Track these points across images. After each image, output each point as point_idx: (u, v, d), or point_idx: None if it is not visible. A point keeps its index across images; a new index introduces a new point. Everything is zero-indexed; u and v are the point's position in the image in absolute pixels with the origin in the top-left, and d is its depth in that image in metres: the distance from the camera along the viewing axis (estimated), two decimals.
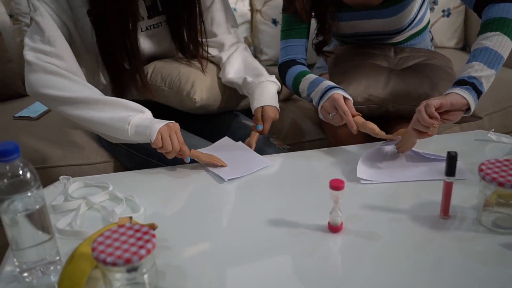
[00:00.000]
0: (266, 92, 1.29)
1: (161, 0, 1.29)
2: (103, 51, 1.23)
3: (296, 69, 1.36)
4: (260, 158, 1.16)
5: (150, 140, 1.09)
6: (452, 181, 0.86)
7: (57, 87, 1.13)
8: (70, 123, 1.55)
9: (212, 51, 1.41)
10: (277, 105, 1.30)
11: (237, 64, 1.37)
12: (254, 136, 1.24)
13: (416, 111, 1.03)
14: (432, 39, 1.61)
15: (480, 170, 0.84)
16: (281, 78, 1.42)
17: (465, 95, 1.03)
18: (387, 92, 1.30)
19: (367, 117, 1.21)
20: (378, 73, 1.34)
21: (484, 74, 1.05)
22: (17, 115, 1.65)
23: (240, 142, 1.23)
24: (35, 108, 1.69)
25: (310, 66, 1.47)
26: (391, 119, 1.34)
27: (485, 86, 1.06)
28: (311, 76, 1.30)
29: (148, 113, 1.14)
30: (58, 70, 1.13)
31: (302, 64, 1.39)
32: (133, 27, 1.21)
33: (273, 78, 1.33)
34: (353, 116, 1.17)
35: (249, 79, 1.31)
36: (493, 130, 1.22)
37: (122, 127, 1.10)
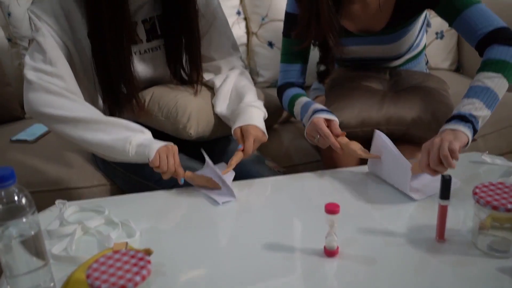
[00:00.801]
0: (246, 114, 1.23)
1: (160, 24, 1.31)
2: (99, 73, 1.24)
3: (291, 92, 1.38)
4: (221, 168, 1.16)
5: (148, 159, 1.10)
6: (447, 204, 0.87)
7: (57, 106, 1.14)
8: (67, 145, 1.56)
9: (208, 76, 1.40)
10: (260, 125, 1.22)
11: (226, 95, 1.33)
12: (236, 156, 1.17)
13: (440, 156, 0.99)
14: (427, 62, 1.63)
15: (474, 193, 0.84)
16: (279, 100, 1.44)
17: (468, 133, 1.04)
18: (380, 115, 1.31)
19: (362, 140, 1.22)
20: (372, 97, 1.36)
21: (483, 114, 1.07)
22: (14, 138, 1.65)
23: (223, 163, 1.23)
24: (32, 131, 1.69)
25: (306, 88, 1.48)
26: None
27: (480, 125, 1.08)
28: (303, 100, 1.32)
29: (148, 134, 1.16)
30: (58, 90, 1.14)
31: (298, 86, 1.41)
32: (128, 51, 1.22)
33: (258, 103, 1.28)
34: (337, 136, 1.18)
35: (232, 109, 1.28)
36: (487, 152, 1.23)
37: (123, 147, 1.11)
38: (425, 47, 1.55)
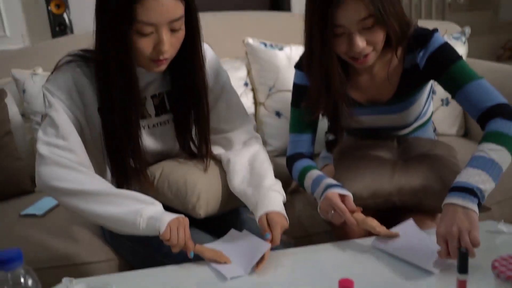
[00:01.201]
0: (269, 200, 1.22)
1: (169, 99, 1.33)
2: (108, 147, 1.26)
3: (301, 163, 1.38)
4: (259, 243, 1.14)
5: (159, 232, 1.10)
6: (465, 279, 0.84)
7: (68, 179, 1.15)
8: (75, 219, 1.55)
9: (219, 150, 1.40)
10: (283, 211, 1.21)
11: (240, 172, 1.32)
12: (267, 247, 1.12)
13: (466, 247, 1.00)
14: (435, 129, 1.64)
15: (494, 267, 0.81)
16: (289, 171, 1.44)
17: (477, 210, 1.05)
18: (392, 186, 1.30)
19: (373, 211, 1.21)
20: (382, 167, 1.35)
21: (489, 187, 1.08)
22: (23, 212, 1.65)
23: (245, 231, 1.22)
24: (41, 205, 1.69)
25: (315, 156, 1.49)
26: (397, 211, 1.33)
27: (485, 199, 1.09)
28: (313, 174, 1.32)
29: (159, 205, 1.16)
30: (70, 164, 1.16)
31: (308, 157, 1.42)
32: (136, 126, 1.24)
33: (277, 187, 1.26)
34: (353, 212, 1.17)
35: (250, 192, 1.26)
36: (503, 220, 1.20)
37: (134, 219, 1.11)
38: (432, 114, 1.57)
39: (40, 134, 1.19)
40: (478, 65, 2.08)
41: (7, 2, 3.12)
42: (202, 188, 1.30)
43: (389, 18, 1.18)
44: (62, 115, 1.19)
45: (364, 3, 1.15)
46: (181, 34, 1.18)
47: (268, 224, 1.17)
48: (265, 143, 2.15)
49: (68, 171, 1.16)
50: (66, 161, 1.16)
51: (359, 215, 1.17)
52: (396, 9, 1.20)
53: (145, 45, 1.14)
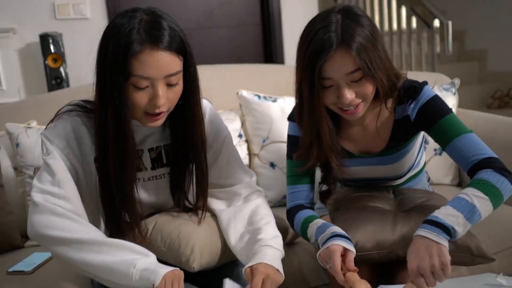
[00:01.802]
0: (260, 253, 1.18)
1: (167, 153, 1.33)
2: (104, 198, 1.25)
3: (303, 214, 1.36)
4: None
5: (153, 285, 1.06)
6: None
7: (61, 228, 1.13)
8: (64, 276, 1.50)
9: (217, 204, 1.38)
10: (273, 263, 1.17)
11: (238, 229, 1.29)
12: None
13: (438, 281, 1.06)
14: (429, 179, 1.64)
15: None
16: (290, 223, 1.42)
17: (447, 246, 1.08)
18: (396, 236, 1.28)
19: (376, 264, 1.18)
20: (383, 217, 1.33)
21: (461, 233, 1.11)
22: (10, 269, 1.60)
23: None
24: (30, 261, 1.64)
25: None
26: (400, 264, 1.30)
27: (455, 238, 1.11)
28: (318, 222, 1.30)
29: (153, 257, 1.13)
30: (64, 212, 1.14)
31: (309, 208, 1.40)
32: (132, 179, 1.23)
33: (274, 242, 1.23)
34: (349, 270, 1.14)
35: (244, 248, 1.24)
36: (502, 273, 1.18)
37: (127, 270, 1.08)
38: (425, 164, 1.57)
39: (35, 181, 1.18)
40: (470, 115, 2.10)
41: (4, 57, 3.19)
42: (196, 240, 1.27)
43: (376, 72, 1.20)
44: (59, 163, 1.19)
45: (351, 57, 1.17)
46: (178, 88, 1.19)
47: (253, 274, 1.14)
48: None
49: (61, 219, 1.14)
50: (60, 209, 1.14)
51: (354, 276, 1.13)
52: (383, 62, 1.23)
53: (140, 98, 1.15)
